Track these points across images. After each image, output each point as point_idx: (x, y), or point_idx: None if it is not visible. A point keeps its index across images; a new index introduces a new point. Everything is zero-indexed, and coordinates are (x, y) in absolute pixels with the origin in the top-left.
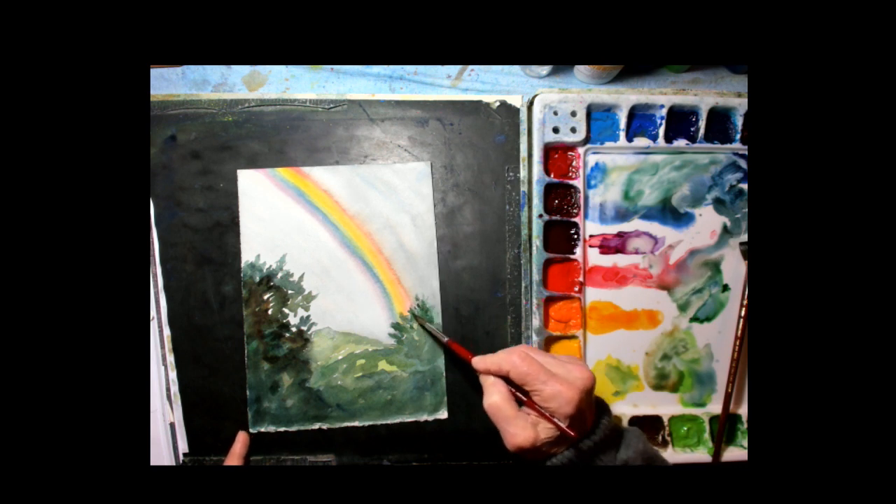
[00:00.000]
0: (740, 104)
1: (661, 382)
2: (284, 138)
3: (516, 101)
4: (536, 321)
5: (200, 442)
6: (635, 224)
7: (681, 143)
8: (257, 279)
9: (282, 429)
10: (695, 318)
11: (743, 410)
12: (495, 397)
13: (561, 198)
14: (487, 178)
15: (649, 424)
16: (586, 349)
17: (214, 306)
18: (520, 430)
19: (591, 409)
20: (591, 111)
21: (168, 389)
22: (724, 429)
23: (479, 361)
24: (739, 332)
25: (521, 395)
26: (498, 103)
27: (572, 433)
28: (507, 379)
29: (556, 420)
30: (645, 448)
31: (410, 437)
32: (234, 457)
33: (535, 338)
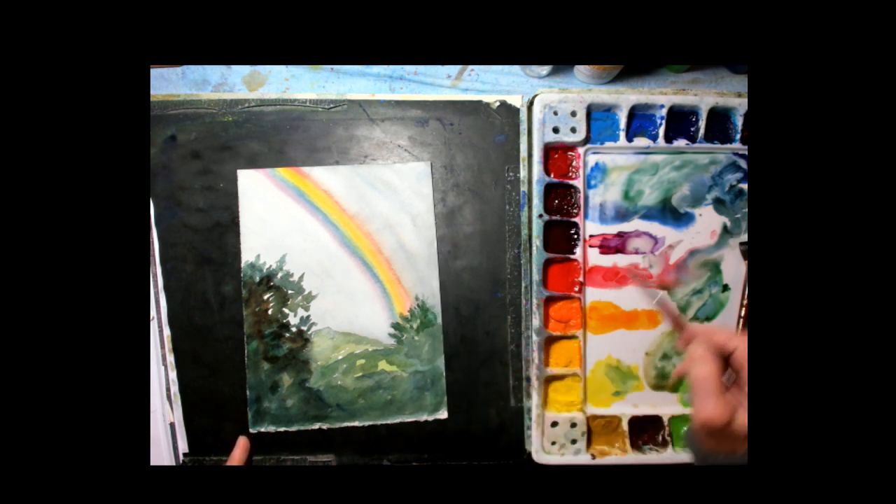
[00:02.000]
0: (740, 104)
1: (661, 382)
2: (284, 138)
3: (516, 101)
4: (536, 321)
5: (200, 442)
6: (635, 224)
7: (681, 143)
8: (257, 279)
9: (282, 429)
10: (695, 318)
11: None
12: (706, 369)
13: (561, 198)
14: (487, 178)
15: (649, 424)
16: (586, 349)
17: (214, 306)
18: (721, 406)
19: None
20: (591, 111)
21: (168, 389)
22: None
23: (699, 327)
24: (739, 332)
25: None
26: (498, 103)
27: None
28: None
29: None
30: None
31: (410, 437)
32: (235, 462)
33: (535, 338)
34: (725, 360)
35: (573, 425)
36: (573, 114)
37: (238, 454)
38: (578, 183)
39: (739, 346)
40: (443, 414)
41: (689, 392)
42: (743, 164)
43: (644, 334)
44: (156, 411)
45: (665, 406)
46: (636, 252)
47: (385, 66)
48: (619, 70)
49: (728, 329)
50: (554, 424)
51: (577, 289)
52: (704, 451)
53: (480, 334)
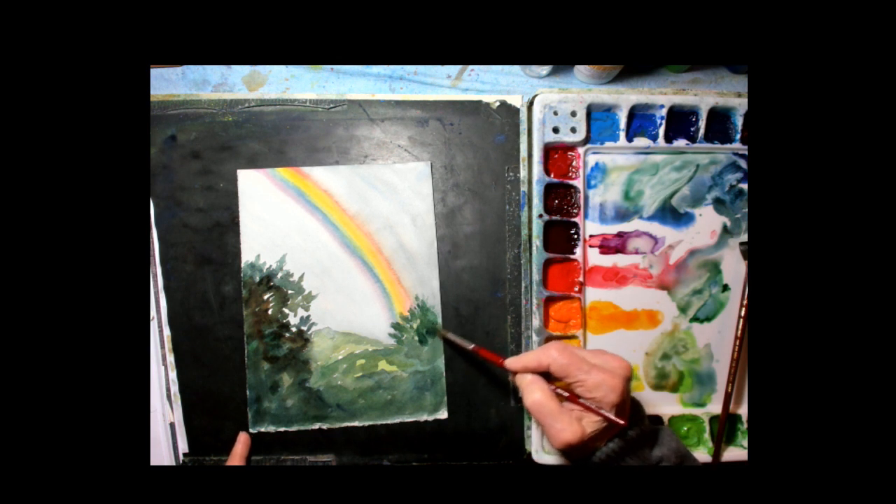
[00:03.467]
0: (740, 104)
1: (661, 382)
2: (284, 138)
3: (516, 101)
4: (536, 321)
5: (200, 442)
6: (635, 224)
7: (681, 143)
8: (257, 279)
9: (282, 429)
10: (695, 318)
11: (743, 410)
12: (537, 394)
13: (561, 198)
14: (487, 178)
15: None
16: (586, 349)
17: (214, 306)
18: (566, 425)
19: (630, 399)
20: (591, 111)
21: (168, 389)
22: (724, 429)
23: (513, 362)
24: (739, 332)
25: (563, 390)
26: (498, 103)
27: (622, 421)
28: (544, 375)
29: (603, 411)
30: (678, 447)
31: (410, 437)
32: (236, 457)
33: (535, 338)
34: (548, 376)
35: None
36: (573, 114)
37: (240, 449)
38: (578, 183)
39: (545, 360)
40: (443, 414)
41: (535, 422)
42: (743, 164)
43: (644, 334)
44: (156, 411)
45: (665, 406)
46: (636, 252)
47: (385, 66)
48: (619, 70)
49: (540, 349)
50: None
51: (577, 289)
52: (583, 456)
53: (480, 334)
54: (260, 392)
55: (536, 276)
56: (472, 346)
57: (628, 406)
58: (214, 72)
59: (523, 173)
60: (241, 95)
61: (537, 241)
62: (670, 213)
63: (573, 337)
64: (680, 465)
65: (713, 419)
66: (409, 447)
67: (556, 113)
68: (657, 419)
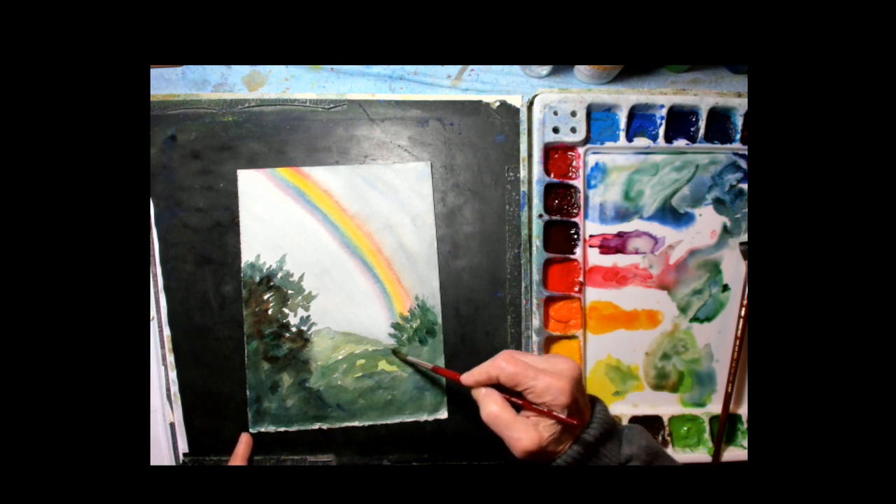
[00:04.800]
0: (740, 104)
1: (661, 382)
2: (284, 138)
3: (516, 101)
4: (536, 321)
5: (200, 442)
6: (635, 224)
7: (681, 143)
8: (257, 279)
9: (282, 429)
10: (695, 318)
11: (743, 410)
12: (492, 406)
13: (561, 198)
14: (487, 178)
15: (649, 424)
16: (586, 349)
17: (214, 306)
18: (523, 433)
19: (586, 400)
20: (591, 111)
21: (168, 389)
22: (724, 429)
23: (467, 377)
24: (739, 332)
25: (516, 398)
26: (498, 103)
27: (574, 421)
28: (497, 387)
29: (555, 412)
30: (649, 444)
31: (410, 437)
32: (238, 458)
33: (535, 338)
34: (500, 389)
35: None
36: (573, 114)
37: (241, 450)
38: (578, 183)
39: (494, 371)
40: (443, 414)
41: (495, 432)
42: (743, 164)
43: (644, 334)
44: (156, 411)
45: (665, 406)
46: (636, 252)
47: (385, 66)
48: (619, 70)
49: (489, 361)
50: None
51: (577, 289)
52: (546, 462)
53: (480, 334)
54: (260, 392)
55: (536, 276)
56: (430, 367)
57: (584, 408)
58: (214, 72)
59: (523, 173)
60: (241, 95)
61: (537, 241)
62: (670, 213)
63: (573, 337)
64: (650, 463)
65: (713, 419)
66: (409, 447)
67: (556, 113)
68: (657, 419)
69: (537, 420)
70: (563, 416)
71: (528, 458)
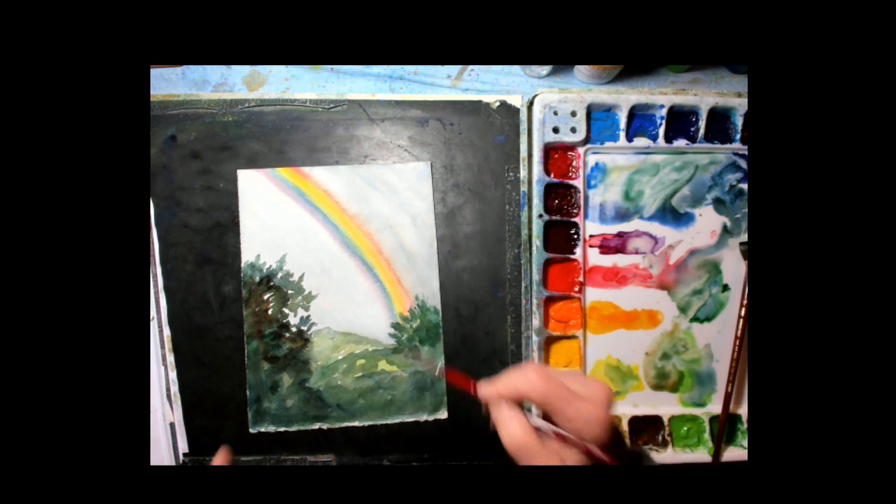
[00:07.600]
0: (740, 104)
1: (661, 382)
2: (284, 138)
3: (516, 101)
4: (536, 321)
5: (200, 442)
6: (635, 224)
7: (681, 143)
8: (257, 279)
9: (282, 429)
10: (695, 318)
11: (743, 410)
12: (518, 430)
13: (561, 198)
14: (487, 178)
15: (649, 424)
16: (586, 349)
17: (214, 306)
18: (549, 461)
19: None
20: (591, 111)
21: (168, 389)
22: (724, 429)
23: (488, 389)
24: (739, 332)
25: (546, 424)
26: (498, 103)
27: (611, 461)
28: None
29: (591, 447)
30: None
31: (410, 437)
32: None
33: (535, 338)
34: (522, 404)
35: None
36: (573, 114)
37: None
38: (578, 183)
39: (524, 386)
40: (443, 414)
41: (512, 456)
42: (743, 164)
43: (644, 334)
44: (156, 411)
45: (665, 406)
46: (636, 252)
47: (385, 66)
48: (619, 70)
49: (516, 373)
50: None
51: (577, 289)
52: None
53: (480, 334)
54: (260, 392)
55: (536, 276)
56: (439, 373)
57: (613, 438)
58: (214, 72)
59: (523, 173)
60: (241, 95)
61: (537, 241)
62: (670, 213)
63: (573, 337)
64: (647, 465)
65: (713, 419)
66: (409, 447)
67: (556, 113)
68: (657, 419)
69: (560, 448)
70: (599, 452)
71: None
